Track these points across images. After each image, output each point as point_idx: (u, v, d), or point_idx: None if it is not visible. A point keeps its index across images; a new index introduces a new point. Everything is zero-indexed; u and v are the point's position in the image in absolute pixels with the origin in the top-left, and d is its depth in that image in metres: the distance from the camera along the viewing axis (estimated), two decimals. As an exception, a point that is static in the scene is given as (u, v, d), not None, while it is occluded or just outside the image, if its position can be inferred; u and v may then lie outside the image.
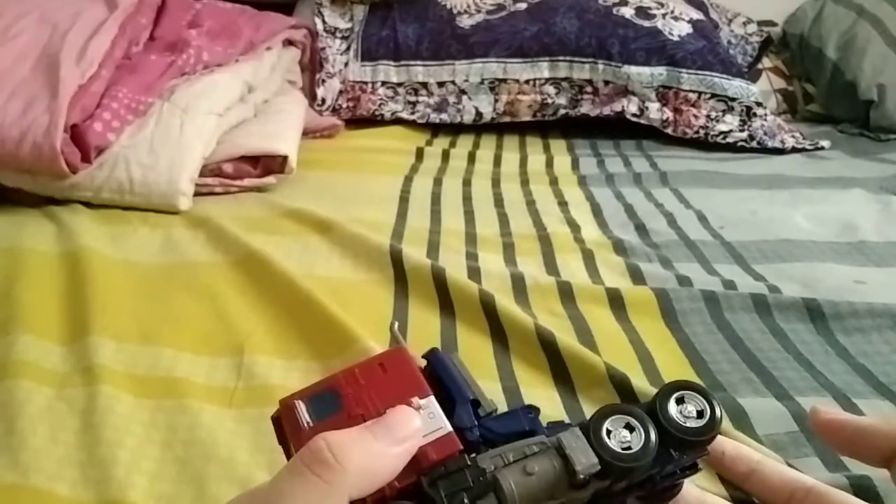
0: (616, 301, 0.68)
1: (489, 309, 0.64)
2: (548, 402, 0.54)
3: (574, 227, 0.88)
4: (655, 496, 0.34)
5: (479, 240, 0.83)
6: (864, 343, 0.62)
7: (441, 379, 0.33)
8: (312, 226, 0.81)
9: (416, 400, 0.31)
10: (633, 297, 0.68)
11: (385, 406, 0.31)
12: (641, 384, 0.54)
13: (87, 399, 0.50)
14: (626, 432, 0.31)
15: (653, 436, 0.31)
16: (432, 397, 0.31)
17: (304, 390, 0.32)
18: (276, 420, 0.33)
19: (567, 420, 0.40)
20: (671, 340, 0.63)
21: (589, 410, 0.53)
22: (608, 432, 0.31)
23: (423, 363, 0.34)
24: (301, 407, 0.31)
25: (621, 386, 0.54)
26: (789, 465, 0.45)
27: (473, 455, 0.30)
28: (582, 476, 0.29)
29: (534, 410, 0.33)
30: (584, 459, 0.30)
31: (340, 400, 0.31)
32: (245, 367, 0.56)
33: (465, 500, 0.28)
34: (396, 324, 0.37)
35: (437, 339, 0.62)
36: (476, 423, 0.32)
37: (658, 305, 0.67)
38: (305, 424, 0.31)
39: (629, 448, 0.30)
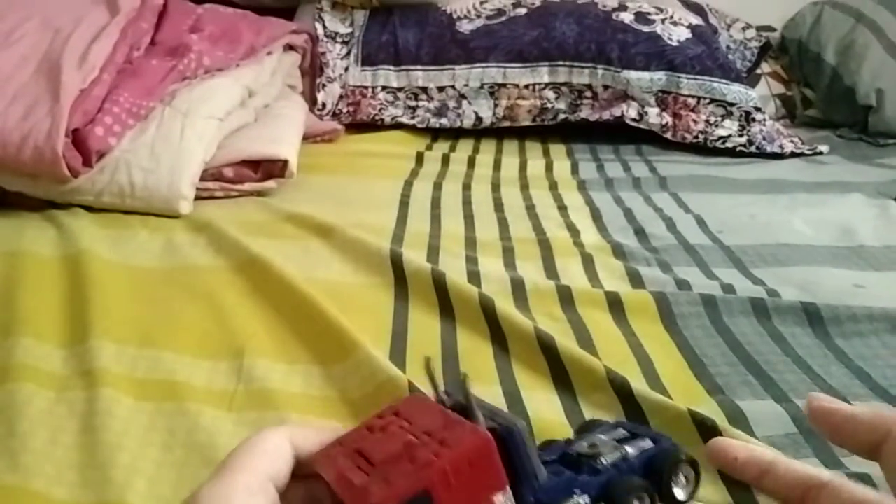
0: (615, 305, 0.68)
1: (489, 313, 0.64)
2: (548, 406, 0.55)
3: (573, 231, 0.88)
4: None
5: (478, 244, 0.83)
6: (863, 347, 0.63)
7: (513, 459, 0.31)
8: (313, 230, 0.82)
9: (496, 497, 0.30)
10: (633, 300, 0.69)
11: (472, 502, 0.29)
12: (641, 388, 0.54)
13: (88, 402, 0.50)
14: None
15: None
16: (509, 491, 0.30)
17: (391, 492, 0.29)
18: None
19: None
20: (670, 344, 0.63)
21: (589, 414, 0.53)
22: None
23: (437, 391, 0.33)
24: None
25: (621, 389, 0.54)
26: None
27: None
28: None
29: (572, 479, 0.34)
30: None
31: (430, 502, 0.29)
32: (245, 370, 0.56)
33: None
34: (431, 362, 0.36)
35: (438, 343, 0.62)
36: (534, 499, 0.32)
37: (657, 309, 0.67)
38: None
39: None
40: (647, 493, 0.33)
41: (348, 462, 0.30)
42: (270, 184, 0.95)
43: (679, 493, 0.35)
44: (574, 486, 0.33)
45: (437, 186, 1.02)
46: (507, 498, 0.30)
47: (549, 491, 0.32)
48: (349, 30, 1.38)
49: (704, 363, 0.60)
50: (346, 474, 0.30)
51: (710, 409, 0.52)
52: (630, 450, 0.35)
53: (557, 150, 1.26)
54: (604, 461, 0.34)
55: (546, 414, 0.54)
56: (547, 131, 1.33)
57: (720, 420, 0.50)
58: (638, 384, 0.54)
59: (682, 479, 0.35)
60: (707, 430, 0.49)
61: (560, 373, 0.57)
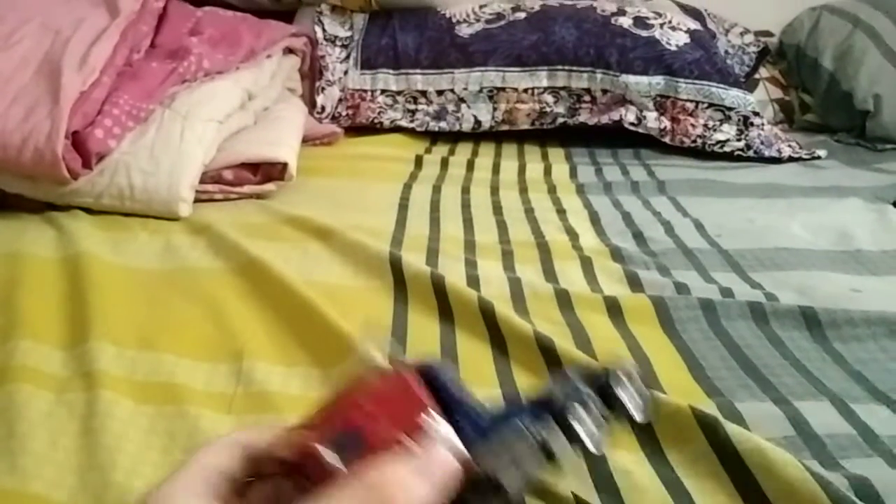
0: (614, 308, 0.69)
1: (488, 316, 0.64)
2: (547, 409, 0.55)
3: (572, 234, 0.88)
4: None
5: (477, 247, 0.83)
6: (861, 350, 0.63)
7: (441, 394, 0.34)
8: (312, 233, 0.82)
9: (435, 430, 0.32)
10: (631, 304, 0.69)
11: (404, 434, 0.31)
12: (640, 389, 0.54)
13: (87, 404, 0.50)
14: (588, 420, 0.35)
15: (607, 422, 0.35)
16: (437, 417, 0.32)
17: (318, 432, 0.32)
18: (296, 465, 0.32)
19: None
20: (669, 347, 0.63)
21: (587, 416, 0.53)
22: (581, 426, 0.34)
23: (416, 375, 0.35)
24: (325, 452, 0.31)
25: (620, 392, 0.54)
26: (801, 464, 0.45)
27: (481, 467, 0.32)
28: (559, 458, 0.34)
29: (518, 403, 0.35)
30: (564, 454, 0.34)
31: (360, 436, 0.31)
32: (244, 373, 0.56)
33: None
34: (366, 325, 0.38)
35: (437, 346, 0.62)
36: (477, 431, 0.33)
37: (655, 313, 0.68)
38: (335, 468, 0.31)
39: (593, 435, 0.35)
40: (591, 401, 0.35)
41: (294, 433, 0.33)
42: (270, 186, 0.96)
43: (632, 409, 0.36)
44: (522, 419, 0.34)
45: (437, 190, 1.02)
46: (436, 420, 0.32)
47: (494, 422, 0.34)
48: (348, 33, 1.38)
49: (703, 366, 0.60)
50: (288, 440, 0.32)
51: (708, 410, 0.52)
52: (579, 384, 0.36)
53: (556, 154, 1.26)
54: (554, 392, 0.36)
55: (545, 417, 0.54)
56: (546, 135, 1.33)
57: (719, 422, 0.50)
58: (637, 386, 0.54)
59: (628, 393, 0.36)
60: (708, 426, 0.49)
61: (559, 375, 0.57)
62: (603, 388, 0.36)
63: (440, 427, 0.32)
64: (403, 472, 0.29)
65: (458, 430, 0.33)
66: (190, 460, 0.31)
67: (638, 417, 0.35)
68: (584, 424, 0.34)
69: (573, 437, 0.34)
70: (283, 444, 0.33)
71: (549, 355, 0.59)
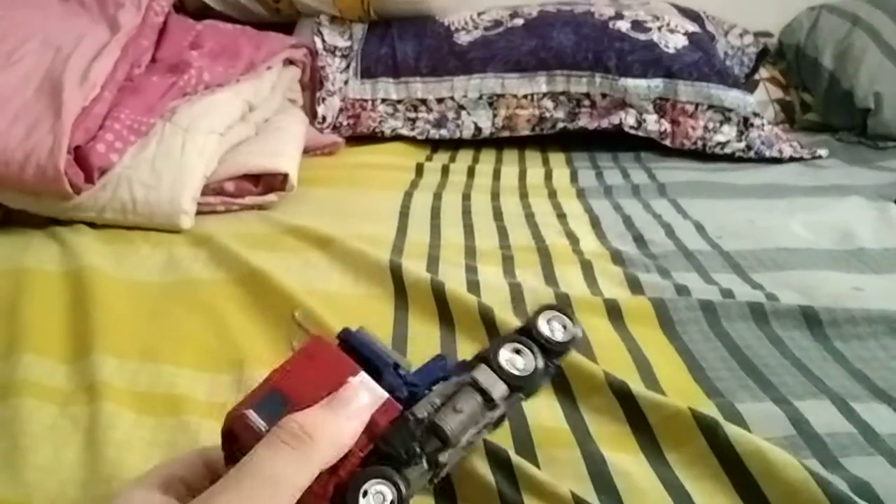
0: (614, 311, 0.69)
1: (488, 321, 0.65)
2: (548, 411, 0.55)
3: (573, 238, 0.88)
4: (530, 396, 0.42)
5: (478, 253, 0.84)
6: (862, 349, 0.63)
7: (360, 353, 0.37)
8: (313, 242, 0.82)
9: (351, 378, 0.35)
10: (631, 306, 0.69)
11: (325, 391, 0.35)
12: (640, 390, 0.54)
13: (90, 416, 0.51)
14: (517, 358, 0.39)
15: (538, 355, 0.39)
16: (363, 372, 0.36)
17: (246, 400, 0.35)
18: (228, 433, 0.35)
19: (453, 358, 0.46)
20: (669, 348, 0.63)
21: (589, 417, 0.54)
22: (505, 361, 0.39)
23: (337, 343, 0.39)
24: (252, 415, 0.34)
25: (620, 392, 0.54)
26: (801, 464, 0.45)
27: (410, 410, 0.36)
28: (497, 402, 0.37)
29: (443, 358, 0.39)
30: (497, 389, 0.37)
31: (285, 398, 0.35)
32: (245, 383, 0.56)
33: (417, 449, 0.34)
34: (298, 313, 0.41)
35: (437, 352, 0.62)
36: (403, 382, 0.37)
37: (656, 315, 0.68)
38: (262, 429, 0.33)
39: (525, 370, 0.38)
40: (518, 342, 0.40)
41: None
42: (271, 197, 0.96)
43: (546, 330, 0.40)
44: (444, 369, 0.39)
45: (437, 197, 1.02)
46: (363, 380, 0.36)
47: (419, 374, 0.38)
48: (348, 43, 1.39)
49: (703, 367, 0.60)
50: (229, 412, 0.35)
51: (708, 411, 0.52)
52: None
53: (557, 159, 1.26)
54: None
55: (546, 420, 0.54)
56: (547, 140, 1.33)
57: (719, 423, 0.50)
58: (637, 387, 0.54)
59: (557, 325, 0.41)
60: (707, 427, 0.49)
61: (559, 378, 0.57)
62: (528, 328, 0.41)
63: (360, 378, 0.36)
64: (320, 413, 0.32)
65: (381, 380, 0.36)
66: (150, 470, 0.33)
67: (559, 345, 0.40)
68: (510, 362, 0.38)
69: (503, 375, 0.38)
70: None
71: (548, 359, 0.59)
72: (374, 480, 0.33)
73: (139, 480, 0.33)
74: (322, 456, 0.31)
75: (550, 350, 0.40)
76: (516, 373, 0.38)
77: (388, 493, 0.33)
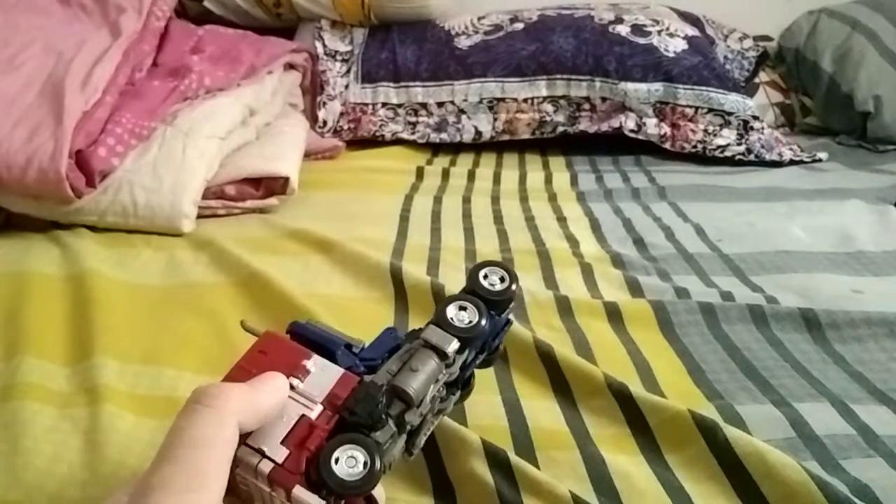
0: (614, 314, 0.69)
1: (488, 324, 0.65)
2: (548, 414, 0.55)
3: (573, 241, 0.89)
4: (493, 356, 0.45)
5: (478, 256, 0.84)
6: (861, 351, 0.63)
7: (312, 340, 0.39)
8: (313, 245, 0.82)
9: (305, 362, 0.37)
10: (631, 309, 0.69)
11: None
12: (640, 392, 0.54)
13: (91, 419, 0.51)
14: (463, 314, 0.41)
15: (481, 307, 0.41)
16: (315, 355, 0.38)
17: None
18: None
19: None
20: (669, 351, 0.63)
21: (589, 419, 0.54)
22: (452, 318, 0.41)
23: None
24: None
25: (620, 394, 0.54)
26: (801, 466, 0.45)
27: (369, 380, 0.38)
28: (450, 355, 0.39)
29: (394, 330, 0.42)
30: (447, 344, 0.39)
31: None
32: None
33: (382, 413, 0.36)
34: (245, 322, 0.44)
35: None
36: (358, 359, 0.39)
37: (655, 318, 0.68)
38: None
39: (471, 322, 0.41)
40: (463, 300, 0.42)
41: None
42: (272, 201, 0.96)
43: (486, 283, 0.43)
44: (396, 339, 0.41)
45: (438, 200, 1.03)
46: (317, 363, 0.37)
47: (372, 348, 0.40)
48: (349, 48, 1.39)
49: (703, 369, 0.61)
50: None
51: (708, 414, 0.52)
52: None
53: (557, 163, 1.27)
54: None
55: (546, 423, 0.54)
56: (546, 144, 1.33)
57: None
58: (636, 389, 0.54)
59: (494, 279, 0.44)
60: (707, 429, 0.49)
61: (559, 381, 0.58)
62: (471, 287, 0.43)
63: (313, 360, 0.37)
64: (235, 384, 0.33)
65: (336, 361, 0.38)
66: (186, 458, 0.32)
67: (498, 295, 0.42)
68: (457, 318, 0.41)
69: (452, 331, 0.40)
70: None
71: (548, 362, 0.59)
72: (344, 447, 0.34)
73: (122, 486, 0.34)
74: (237, 407, 0.32)
75: (492, 301, 0.42)
76: (463, 326, 0.40)
77: (360, 455, 0.34)
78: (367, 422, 0.35)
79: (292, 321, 0.41)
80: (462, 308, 0.41)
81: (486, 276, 0.44)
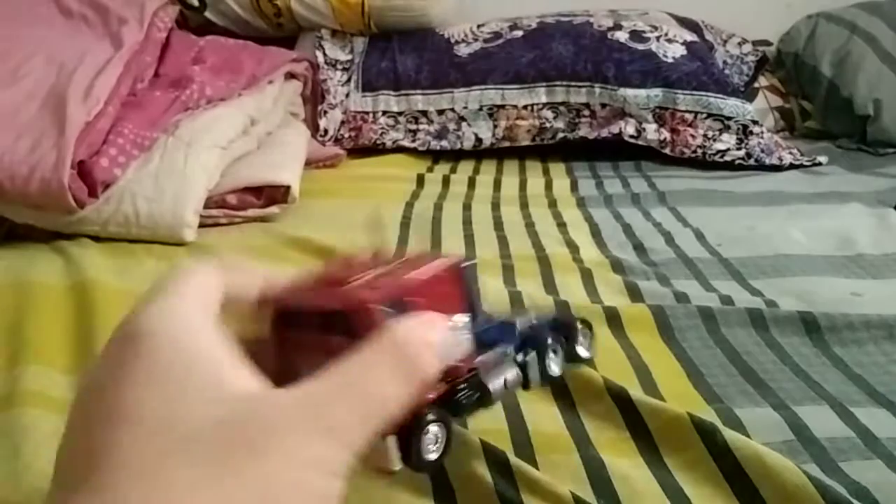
0: (614, 319, 0.69)
1: (488, 329, 0.65)
2: (548, 419, 0.55)
3: (573, 247, 0.89)
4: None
5: (478, 262, 0.84)
6: (861, 354, 0.63)
7: (468, 293, 0.36)
8: (315, 253, 0.83)
9: (459, 318, 0.33)
10: (631, 314, 0.69)
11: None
12: (639, 396, 0.54)
13: (93, 425, 0.51)
14: (554, 361, 0.40)
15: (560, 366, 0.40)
16: (467, 317, 0.35)
17: (376, 292, 0.31)
18: (336, 319, 0.31)
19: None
20: (668, 355, 0.63)
21: (588, 423, 0.54)
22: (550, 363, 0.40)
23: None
24: (384, 310, 0.30)
25: (619, 398, 0.54)
26: (800, 469, 0.45)
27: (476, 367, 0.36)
28: (533, 386, 0.38)
29: (513, 327, 0.40)
30: (536, 377, 0.38)
31: (413, 308, 0.31)
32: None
33: (465, 402, 0.34)
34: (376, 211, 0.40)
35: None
36: (482, 336, 0.37)
37: (655, 322, 0.68)
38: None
39: (554, 374, 0.40)
40: (559, 346, 0.41)
41: (319, 293, 0.33)
42: (273, 209, 0.97)
43: (582, 351, 0.42)
44: (503, 334, 0.38)
45: (438, 207, 1.03)
46: (465, 322, 0.34)
47: (485, 332, 0.37)
48: (349, 56, 1.40)
49: (702, 374, 0.61)
50: (324, 293, 0.32)
51: (708, 417, 0.52)
52: (535, 318, 0.41)
53: (557, 169, 1.27)
54: (517, 324, 0.40)
55: (546, 427, 0.54)
56: (547, 150, 1.34)
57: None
58: (636, 393, 0.55)
59: (581, 339, 0.43)
60: (706, 432, 0.50)
61: (558, 384, 0.58)
62: (562, 334, 0.41)
63: (467, 328, 0.34)
64: (433, 336, 0.28)
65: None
66: (182, 287, 0.27)
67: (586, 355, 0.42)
68: (554, 363, 0.39)
69: (544, 371, 0.39)
70: (324, 295, 0.32)
71: (548, 367, 0.59)
72: (435, 423, 0.31)
73: (168, 303, 0.27)
74: (422, 384, 0.27)
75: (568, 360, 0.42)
76: (550, 375, 0.40)
77: (441, 435, 0.32)
78: (456, 410, 0.33)
79: (462, 260, 0.37)
80: (555, 351, 0.41)
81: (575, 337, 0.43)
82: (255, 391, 0.24)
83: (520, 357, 0.39)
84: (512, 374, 0.37)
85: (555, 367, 0.40)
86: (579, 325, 0.43)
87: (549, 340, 0.40)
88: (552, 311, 0.43)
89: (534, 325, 0.40)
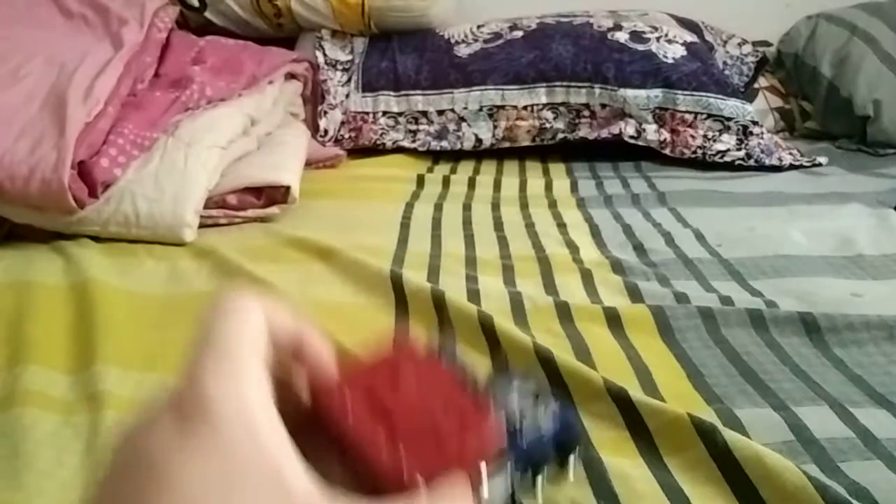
0: (614, 319, 0.69)
1: (488, 329, 0.65)
2: (547, 419, 0.55)
3: (573, 248, 0.89)
4: None
5: (478, 263, 0.84)
6: (860, 354, 0.63)
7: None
8: (314, 253, 0.83)
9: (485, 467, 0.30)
10: (631, 314, 0.69)
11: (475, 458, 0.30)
12: (639, 397, 0.54)
13: (92, 424, 0.51)
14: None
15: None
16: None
17: (402, 426, 0.29)
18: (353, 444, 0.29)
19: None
20: (668, 356, 0.64)
21: (589, 423, 0.54)
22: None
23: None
24: (408, 462, 0.28)
25: (619, 398, 0.55)
26: (800, 469, 0.45)
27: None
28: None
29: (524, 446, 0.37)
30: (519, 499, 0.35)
31: (440, 444, 0.29)
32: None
33: None
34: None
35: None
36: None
37: (655, 322, 0.68)
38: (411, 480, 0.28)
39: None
40: (550, 467, 0.37)
41: (368, 418, 0.30)
42: (273, 210, 0.97)
43: (570, 476, 0.38)
44: (509, 460, 0.36)
45: (438, 208, 1.03)
46: (491, 468, 0.31)
47: (526, 444, 0.34)
48: (349, 57, 1.40)
49: (702, 374, 0.61)
50: (371, 436, 0.29)
51: (708, 417, 0.52)
52: (543, 426, 0.36)
53: (557, 170, 1.27)
54: (525, 440, 0.36)
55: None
56: (547, 151, 1.34)
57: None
58: (636, 393, 0.55)
59: (573, 460, 0.38)
60: (706, 432, 0.50)
61: (559, 385, 0.58)
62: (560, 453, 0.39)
63: (492, 476, 0.31)
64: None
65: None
66: (239, 346, 0.25)
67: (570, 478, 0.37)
68: (540, 487, 0.35)
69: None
70: (346, 412, 0.28)
71: (548, 366, 0.59)
72: None
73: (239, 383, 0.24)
74: None
75: None
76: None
77: None
78: None
79: (505, 381, 0.33)
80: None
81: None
82: (313, 493, 0.24)
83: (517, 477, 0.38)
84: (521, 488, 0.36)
85: (540, 492, 0.40)
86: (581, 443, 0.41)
87: (547, 462, 0.39)
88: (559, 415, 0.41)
89: (539, 440, 0.39)
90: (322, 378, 0.29)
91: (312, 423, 0.30)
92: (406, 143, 1.33)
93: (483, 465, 0.31)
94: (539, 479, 0.38)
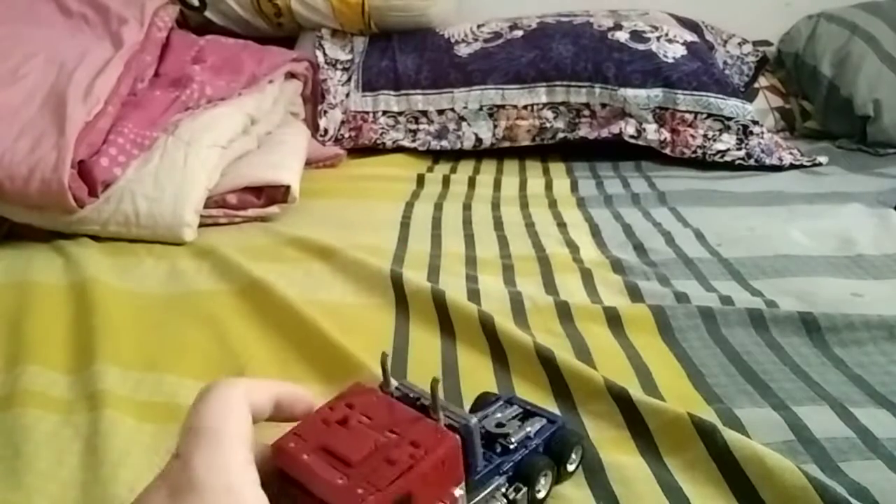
0: (614, 319, 0.69)
1: (488, 329, 0.65)
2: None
3: (573, 247, 0.89)
4: None
5: (479, 262, 0.84)
6: (861, 354, 0.63)
7: (464, 449, 0.35)
8: (314, 253, 0.83)
9: (457, 492, 0.34)
10: (631, 314, 0.69)
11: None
12: (639, 396, 0.54)
13: (91, 423, 0.51)
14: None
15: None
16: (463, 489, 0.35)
17: (381, 497, 0.30)
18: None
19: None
20: (668, 356, 0.63)
21: (589, 422, 0.54)
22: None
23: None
24: None
25: (619, 398, 0.54)
26: (800, 470, 0.45)
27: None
28: None
29: (505, 461, 0.41)
30: None
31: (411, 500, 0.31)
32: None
33: None
34: (387, 355, 0.40)
35: (438, 361, 0.63)
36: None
37: (655, 322, 0.68)
38: None
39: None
40: (550, 471, 0.43)
41: (319, 461, 0.32)
42: (273, 209, 0.97)
43: (570, 467, 0.45)
44: (498, 471, 0.40)
45: (438, 207, 1.03)
46: (462, 489, 0.34)
47: (483, 476, 0.38)
48: (349, 56, 1.40)
49: (703, 373, 0.61)
50: (322, 475, 0.31)
51: (708, 417, 0.52)
52: (531, 429, 0.43)
53: (557, 169, 1.27)
54: (513, 440, 0.42)
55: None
56: (547, 150, 1.34)
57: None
58: (636, 393, 0.55)
59: (573, 456, 0.45)
60: (706, 432, 0.50)
61: (559, 385, 0.58)
62: (556, 454, 0.45)
63: (463, 497, 0.34)
64: None
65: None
66: (225, 425, 0.29)
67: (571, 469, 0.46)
68: (543, 488, 0.42)
69: (533, 499, 0.41)
70: (299, 464, 0.32)
71: (548, 366, 0.59)
72: None
73: (228, 461, 0.28)
74: None
75: None
76: (537, 499, 0.43)
77: None
78: None
79: (469, 423, 0.36)
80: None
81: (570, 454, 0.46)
82: None
83: (511, 494, 0.40)
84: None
85: (543, 491, 0.42)
86: (576, 443, 0.45)
87: (541, 467, 0.42)
88: (550, 419, 0.46)
89: (529, 451, 0.42)
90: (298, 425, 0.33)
91: (288, 479, 0.32)
92: (406, 143, 1.33)
93: (456, 489, 0.34)
94: (537, 488, 0.41)
